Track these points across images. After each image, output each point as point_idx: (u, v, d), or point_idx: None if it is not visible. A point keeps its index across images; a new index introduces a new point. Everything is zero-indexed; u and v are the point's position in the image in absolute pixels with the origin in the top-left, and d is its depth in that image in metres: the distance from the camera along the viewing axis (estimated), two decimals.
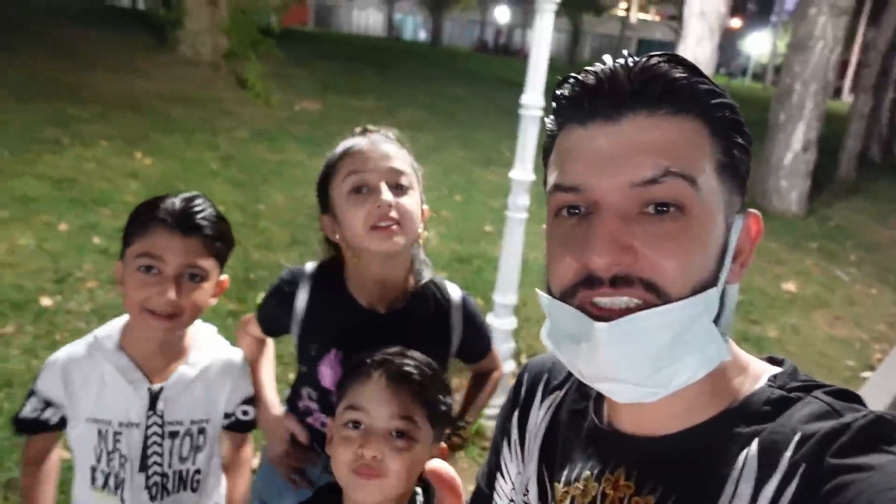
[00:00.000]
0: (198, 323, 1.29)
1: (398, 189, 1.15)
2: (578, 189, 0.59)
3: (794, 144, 7.60)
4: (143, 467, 1.22)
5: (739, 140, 0.60)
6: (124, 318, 1.26)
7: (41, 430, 1.24)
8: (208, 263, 1.16)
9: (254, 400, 1.37)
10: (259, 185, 5.80)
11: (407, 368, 1.03)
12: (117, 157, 5.69)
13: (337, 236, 1.20)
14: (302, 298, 1.26)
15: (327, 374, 1.24)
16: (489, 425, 2.99)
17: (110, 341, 1.23)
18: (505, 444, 0.83)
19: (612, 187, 0.57)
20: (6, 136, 5.52)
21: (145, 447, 1.22)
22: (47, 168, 5.09)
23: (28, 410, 1.23)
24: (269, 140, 7.34)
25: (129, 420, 1.21)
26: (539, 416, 0.78)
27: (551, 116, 0.65)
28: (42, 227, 4.13)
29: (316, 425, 1.31)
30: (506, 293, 2.93)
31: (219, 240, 1.17)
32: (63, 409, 1.22)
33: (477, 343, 1.37)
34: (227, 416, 1.33)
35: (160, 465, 1.24)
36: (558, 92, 0.63)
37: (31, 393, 1.24)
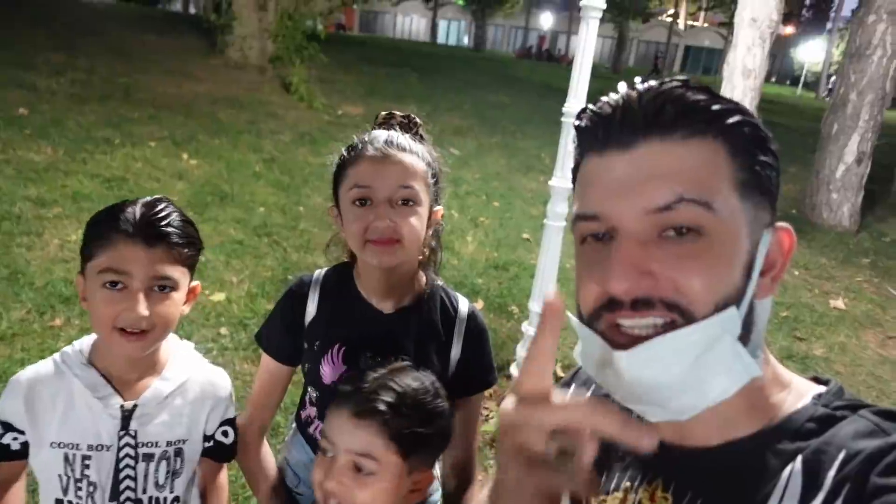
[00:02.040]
0: (173, 339, 1.22)
1: (403, 205, 1.10)
2: (598, 217, 0.60)
3: (847, 156, 7.33)
4: (115, 495, 1.11)
5: (763, 157, 0.60)
6: (88, 338, 1.18)
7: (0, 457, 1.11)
8: (176, 272, 1.08)
9: (234, 422, 1.27)
10: (300, 188, 5.89)
11: (373, 403, 0.99)
12: (165, 158, 5.86)
13: (341, 233, 1.20)
14: (311, 305, 1.24)
15: (328, 370, 1.20)
16: None
17: (79, 356, 1.13)
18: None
19: (628, 214, 0.58)
20: (62, 135, 5.74)
21: (117, 472, 1.11)
22: (99, 167, 5.27)
23: None
24: (311, 143, 7.45)
25: (100, 442, 1.10)
26: None
27: (574, 146, 0.66)
28: None
29: (316, 434, 1.26)
30: (541, 302, 2.89)
31: (186, 246, 1.09)
32: (24, 434, 1.10)
33: (474, 368, 1.25)
34: (206, 438, 1.23)
35: (133, 490, 1.13)
36: (576, 122, 0.65)
37: None
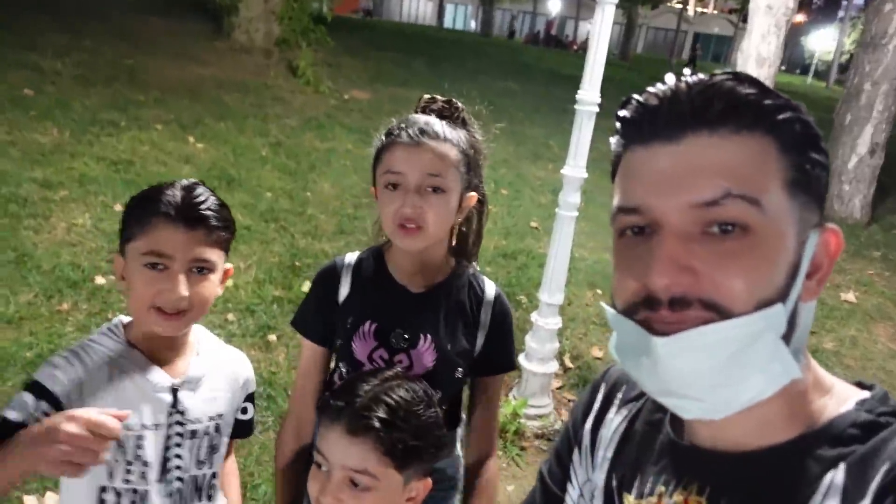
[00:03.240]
0: None
1: (433, 192, 1.14)
2: (639, 210, 0.59)
3: (860, 147, 7.24)
4: (164, 473, 1.13)
5: (814, 155, 0.59)
6: (117, 319, 1.18)
7: None
8: (214, 254, 1.10)
9: (253, 397, 1.31)
10: (307, 173, 5.85)
11: (367, 420, 0.99)
12: (172, 141, 5.82)
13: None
14: (345, 286, 1.28)
15: (360, 346, 1.24)
16: (529, 425, 2.94)
17: (118, 339, 1.13)
18: (576, 449, 0.83)
19: (672, 208, 0.56)
20: (68, 117, 5.70)
21: (166, 450, 1.13)
22: (105, 150, 5.24)
23: (14, 413, 1.01)
24: (318, 128, 7.40)
25: (154, 421, 1.11)
26: (614, 425, 0.78)
27: (616, 137, 0.65)
28: (99, 207, 4.26)
29: None
30: (552, 292, 2.87)
31: (223, 229, 1.11)
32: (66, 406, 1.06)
33: (499, 351, 1.30)
34: None
35: (181, 469, 1.15)
36: (621, 113, 0.63)
37: (29, 389, 1.03)
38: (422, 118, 1.20)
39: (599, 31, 2.53)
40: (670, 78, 0.60)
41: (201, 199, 1.09)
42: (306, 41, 9.80)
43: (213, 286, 1.12)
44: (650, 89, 0.61)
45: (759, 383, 0.56)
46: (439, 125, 1.18)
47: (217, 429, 1.19)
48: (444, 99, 1.26)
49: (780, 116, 0.57)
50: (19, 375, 2.63)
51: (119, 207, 4.27)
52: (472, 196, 1.23)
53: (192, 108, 6.94)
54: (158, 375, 1.12)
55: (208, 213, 1.08)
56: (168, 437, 1.13)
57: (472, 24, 44.26)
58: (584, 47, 34.30)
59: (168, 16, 10.71)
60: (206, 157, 5.68)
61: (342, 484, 0.99)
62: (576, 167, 2.69)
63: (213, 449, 1.19)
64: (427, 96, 1.27)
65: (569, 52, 28.92)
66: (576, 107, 2.64)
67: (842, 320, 4.64)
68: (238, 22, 10.02)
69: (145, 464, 1.10)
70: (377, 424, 0.99)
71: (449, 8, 45.81)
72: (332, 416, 1.02)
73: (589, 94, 2.59)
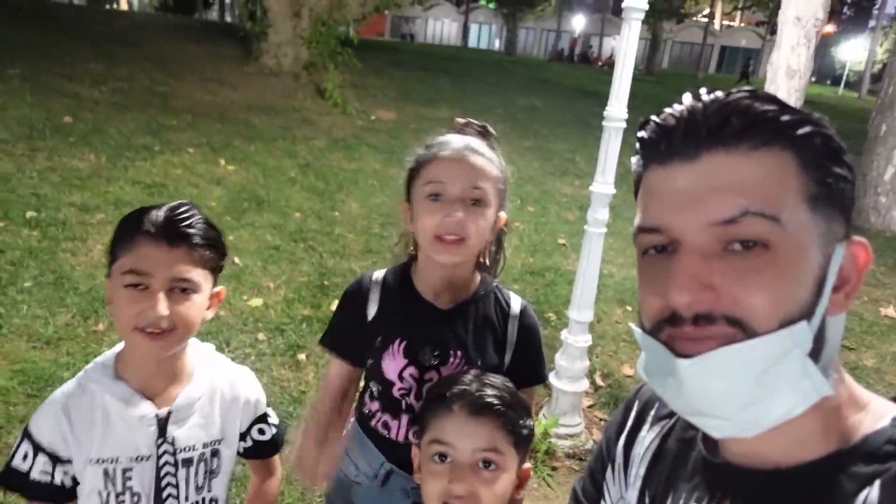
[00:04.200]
0: (195, 342, 1.22)
1: (474, 204, 1.16)
2: (660, 229, 0.60)
3: None
4: (157, 501, 1.12)
5: (836, 168, 0.58)
6: (117, 347, 1.17)
7: (56, 499, 1.08)
8: (198, 275, 1.07)
9: (266, 418, 1.28)
10: (335, 193, 5.92)
11: (487, 399, 1.02)
12: (203, 164, 5.95)
13: (410, 227, 1.25)
14: (373, 302, 1.29)
15: (390, 364, 1.24)
16: (560, 445, 2.90)
17: (106, 371, 1.12)
18: (609, 468, 0.83)
19: (691, 226, 0.57)
20: (104, 142, 5.88)
21: (158, 480, 1.12)
22: (139, 174, 5.38)
23: (23, 462, 1.08)
24: (345, 149, 7.50)
25: (139, 453, 1.10)
26: (646, 442, 0.78)
27: (637, 157, 0.66)
28: None
29: (378, 427, 1.30)
30: (581, 310, 2.84)
31: (208, 248, 1.08)
32: (71, 463, 1.09)
33: (527, 364, 1.30)
34: (241, 437, 1.25)
35: (176, 498, 1.14)
36: (640, 134, 0.64)
37: (34, 451, 1.08)
38: (461, 137, 1.23)
39: (626, 47, 2.53)
40: (687, 97, 0.61)
41: (185, 216, 1.07)
42: (333, 64, 9.98)
43: (196, 307, 1.07)
44: (667, 110, 0.62)
45: (789, 401, 0.56)
46: (480, 143, 1.22)
47: (215, 454, 1.18)
48: (479, 123, 1.29)
49: (800, 131, 0.57)
50: None
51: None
52: (503, 216, 1.25)
53: (223, 131, 7.09)
54: (144, 407, 1.10)
55: (191, 230, 1.06)
56: (159, 468, 1.12)
57: (497, 44, 44.58)
58: (608, 63, 34.28)
59: (200, 42, 11.02)
60: (237, 179, 5.79)
61: (473, 467, 1.00)
62: (604, 183, 2.67)
63: (211, 474, 1.18)
64: (462, 119, 1.29)
65: (593, 69, 28.91)
66: (603, 122, 2.63)
67: (882, 336, 4.50)
68: (267, 47, 10.26)
69: (136, 495, 1.10)
70: (498, 403, 1.02)
71: (473, 28, 46.25)
72: (450, 403, 1.03)
73: (616, 109, 2.58)
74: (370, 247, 4.84)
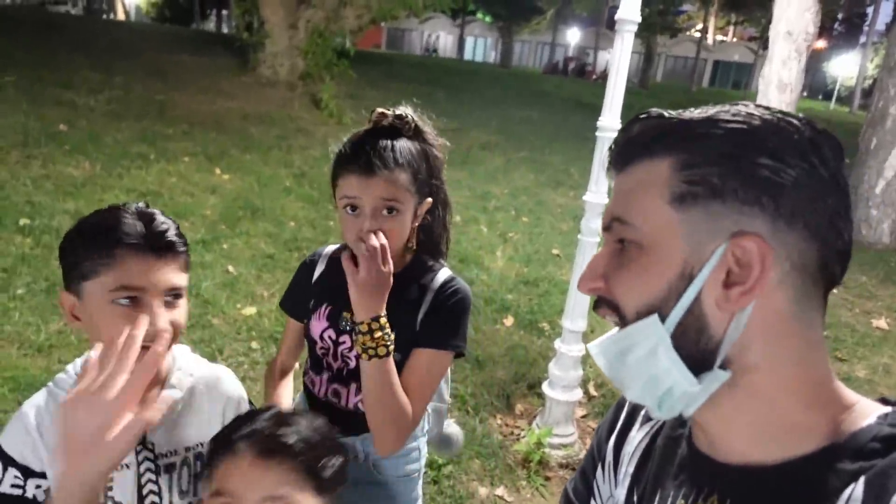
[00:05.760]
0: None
1: (388, 213, 1.22)
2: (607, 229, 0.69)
3: (887, 171, 7.13)
4: None
5: (714, 167, 0.59)
6: (88, 353, 1.10)
7: None
8: (184, 279, 1.06)
9: None
10: (329, 203, 5.86)
11: (281, 439, 0.89)
12: (198, 173, 5.96)
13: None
14: (319, 269, 1.42)
15: (315, 326, 1.37)
16: (553, 455, 2.89)
17: (76, 379, 1.08)
18: (599, 466, 0.84)
19: (602, 227, 0.69)
20: (100, 151, 5.88)
21: (139, 488, 1.08)
22: (135, 182, 5.38)
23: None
24: None
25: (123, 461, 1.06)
26: (636, 441, 0.79)
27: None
28: None
29: (307, 383, 1.43)
30: (574, 319, 2.85)
31: (187, 252, 1.07)
32: (43, 478, 1.04)
33: (435, 328, 1.29)
34: None
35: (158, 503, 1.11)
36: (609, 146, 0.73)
37: (4, 466, 1.03)
38: (370, 144, 1.23)
39: (619, 59, 2.56)
40: (634, 118, 0.69)
41: (164, 225, 1.03)
42: (329, 74, 10.03)
43: (184, 312, 1.07)
44: (623, 126, 0.70)
45: (676, 389, 0.61)
46: (389, 151, 1.22)
47: (199, 457, 1.14)
48: (394, 114, 1.28)
49: (673, 137, 0.62)
50: None
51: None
52: (427, 202, 1.30)
53: (219, 141, 7.10)
54: None
55: (174, 238, 1.03)
56: (140, 475, 1.08)
57: (492, 56, 44.88)
58: (602, 76, 34.57)
59: (196, 52, 11.05)
60: (232, 188, 5.79)
61: None
62: (597, 193, 2.69)
63: (197, 478, 1.14)
64: (378, 110, 1.29)
65: (587, 82, 29.12)
66: (597, 133, 2.65)
67: (874, 347, 4.52)
68: (264, 57, 10.31)
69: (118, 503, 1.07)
70: (294, 442, 0.90)
71: (469, 40, 46.55)
72: (234, 446, 0.91)
73: (609, 120, 2.60)
74: None
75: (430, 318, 1.30)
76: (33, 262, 3.77)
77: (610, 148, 0.69)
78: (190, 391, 1.16)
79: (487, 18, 41.60)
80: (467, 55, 43.91)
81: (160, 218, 1.04)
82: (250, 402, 1.28)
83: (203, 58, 10.92)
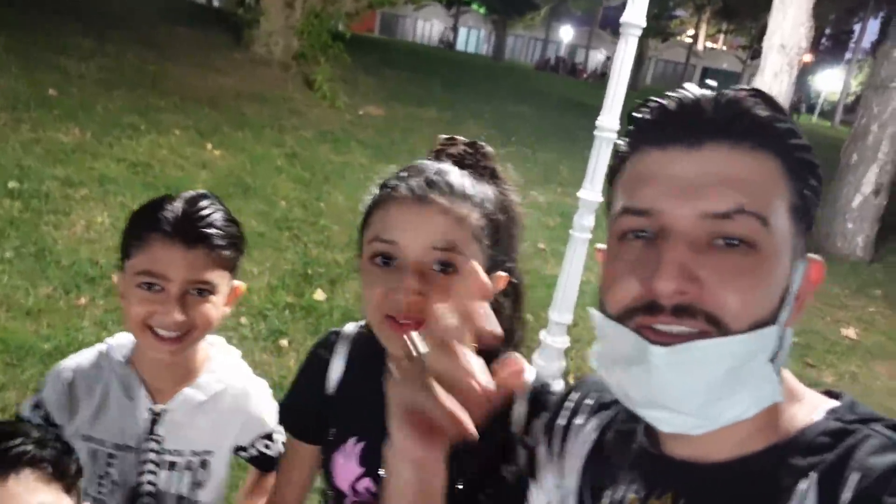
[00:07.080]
0: (219, 344, 1.17)
1: (442, 271, 0.80)
2: (649, 213, 0.58)
3: (865, 187, 7.34)
4: (134, 497, 1.08)
5: (813, 182, 0.60)
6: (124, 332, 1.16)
7: None
8: (216, 275, 1.01)
9: (272, 436, 1.18)
10: (321, 184, 5.94)
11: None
12: (190, 147, 5.92)
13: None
14: (337, 368, 0.99)
15: (341, 470, 0.93)
16: None
17: (121, 353, 1.11)
18: (545, 451, 0.80)
19: (684, 214, 0.56)
20: (90, 119, 5.81)
21: (139, 475, 1.08)
22: (125, 152, 5.34)
23: (26, 412, 1.10)
24: (333, 141, 7.51)
25: (125, 442, 1.07)
26: (585, 432, 0.77)
27: (626, 138, 0.64)
28: (117, 206, 4.34)
29: None
30: (562, 312, 2.92)
31: (228, 248, 1.02)
32: (60, 429, 1.07)
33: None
34: (241, 449, 1.18)
35: (153, 496, 1.09)
36: (636, 114, 0.63)
37: (36, 406, 1.10)
38: (433, 165, 0.88)
39: (622, 60, 2.62)
40: (691, 86, 0.61)
41: (203, 214, 0.99)
42: (324, 56, 9.97)
43: (214, 308, 1.03)
44: (671, 94, 0.61)
45: (745, 402, 0.57)
46: (457, 175, 0.86)
47: (203, 465, 1.11)
48: (466, 141, 0.95)
49: (792, 141, 0.59)
50: (37, 367, 2.68)
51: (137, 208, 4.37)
52: (501, 277, 0.89)
53: (211, 116, 7.05)
54: (140, 399, 1.07)
55: (210, 230, 0.99)
56: (141, 462, 1.08)
57: (485, 48, 44.79)
58: (592, 76, 34.66)
59: (191, 26, 10.90)
60: (223, 164, 5.77)
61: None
62: (592, 191, 2.77)
63: (197, 485, 1.11)
64: (444, 136, 0.96)
65: (578, 80, 29.23)
66: (595, 132, 2.72)
67: (842, 355, 4.69)
68: (258, 35, 10.21)
69: (114, 482, 1.07)
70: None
71: (462, 31, 46.37)
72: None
73: (608, 120, 2.67)
74: (354, 239, 4.86)
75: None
76: (22, 226, 3.75)
77: (658, 117, 0.60)
78: (214, 397, 1.12)
79: (482, 10, 41.46)
80: (460, 46, 43.73)
81: (205, 208, 1.01)
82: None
83: (197, 31, 10.77)
